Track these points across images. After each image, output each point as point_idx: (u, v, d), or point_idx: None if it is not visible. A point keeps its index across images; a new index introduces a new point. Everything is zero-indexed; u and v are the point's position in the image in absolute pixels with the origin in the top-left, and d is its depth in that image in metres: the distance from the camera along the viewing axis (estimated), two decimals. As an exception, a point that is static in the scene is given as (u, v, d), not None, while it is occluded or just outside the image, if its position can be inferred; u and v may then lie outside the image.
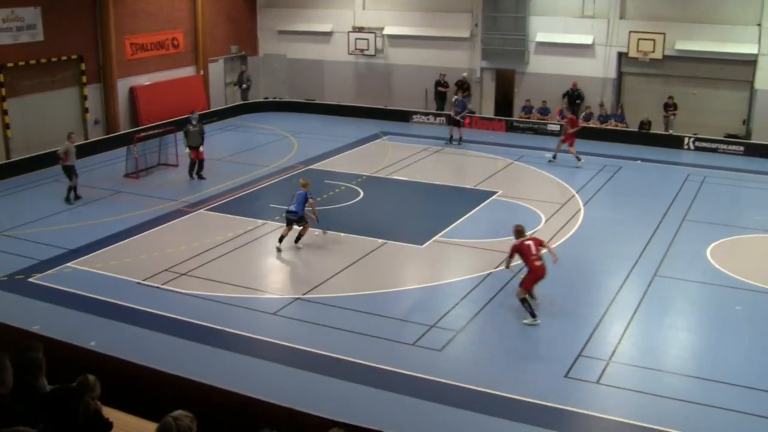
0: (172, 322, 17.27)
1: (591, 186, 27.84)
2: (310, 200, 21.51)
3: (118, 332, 16.81)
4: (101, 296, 18.52)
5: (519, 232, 17.71)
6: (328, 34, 41.85)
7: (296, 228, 21.76)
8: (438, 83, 39.37)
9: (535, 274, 17.38)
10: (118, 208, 25.42)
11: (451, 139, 34.06)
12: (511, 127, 36.79)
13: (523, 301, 17.36)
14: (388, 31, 40.37)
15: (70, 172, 26.08)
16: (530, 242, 17.47)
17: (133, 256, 21.18)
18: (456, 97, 35.66)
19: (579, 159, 30.51)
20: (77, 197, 26.25)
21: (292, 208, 21.46)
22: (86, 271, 20.14)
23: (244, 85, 41.91)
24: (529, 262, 17.36)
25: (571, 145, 30.69)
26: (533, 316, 17.27)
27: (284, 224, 21.85)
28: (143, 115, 35.81)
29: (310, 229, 21.87)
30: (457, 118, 34.30)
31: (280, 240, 21.63)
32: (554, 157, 31.15)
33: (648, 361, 15.84)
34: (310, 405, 10.72)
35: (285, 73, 43.20)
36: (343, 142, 34.04)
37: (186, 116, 30.04)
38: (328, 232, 22.56)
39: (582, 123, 33.74)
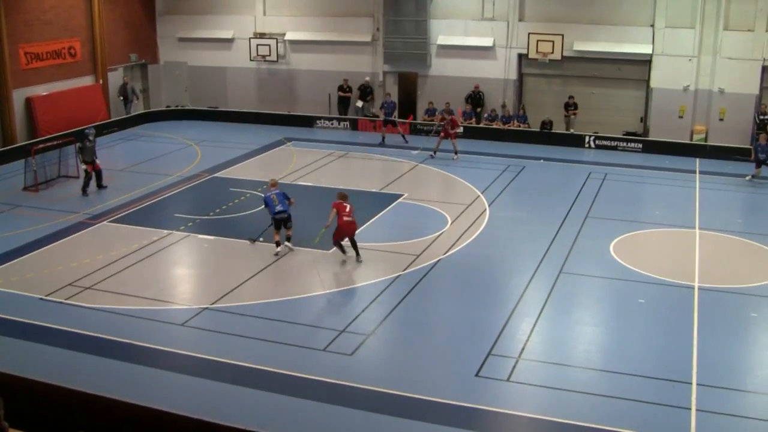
0: (77, 337, 16.91)
1: (495, 186, 28.24)
2: (292, 200, 22.17)
3: (22, 350, 16.40)
4: (2, 314, 17.99)
5: (342, 196, 21.75)
6: (230, 40, 41.54)
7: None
8: (341, 88, 39.43)
9: (341, 229, 21.13)
10: (18, 222, 24.77)
11: (278, 244, 22.15)
12: (415, 130, 37.06)
13: (336, 244, 21.39)
14: (289, 36, 40.28)
15: None
16: (347, 205, 21.31)
17: (35, 271, 20.66)
18: (385, 100, 36.74)
19: (456, 154, 32.30)
20: None
21: (280, 208, 21.69)
22: (-15, 289, 19.61)
23: (131, 98, 40.15)
24: (339, 219, 21.08)
25: (452, 138, 32.48)
26: (343, 252, 21.46)
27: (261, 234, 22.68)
28: (41, 126, 34.98)
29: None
30: (392, 118, 35.52)
31: (278, 245, 21.74)
32: (435, 153, 32.58)
33: (556, 356, 16.15)
34: (222, 415, 10.67)
35: (187, 80, 42.72)
36: (247, 149, 33.84)
37: (82, 128, 29.38)
38: (257, 241, 22.48)
39: (459, 126, 34.58)
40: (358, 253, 21.26)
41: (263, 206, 22.30)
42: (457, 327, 17.48)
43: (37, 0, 35.42)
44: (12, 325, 17.50)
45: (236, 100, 41.85)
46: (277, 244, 21.81)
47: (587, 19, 35.29)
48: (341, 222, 21.10)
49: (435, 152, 32.37)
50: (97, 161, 28.22)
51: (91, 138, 28.16)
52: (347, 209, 21.25)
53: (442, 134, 32.57)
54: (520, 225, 24.37)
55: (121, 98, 39.80)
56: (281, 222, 21.86)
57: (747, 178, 29.45)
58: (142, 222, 24.52)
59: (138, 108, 41.30)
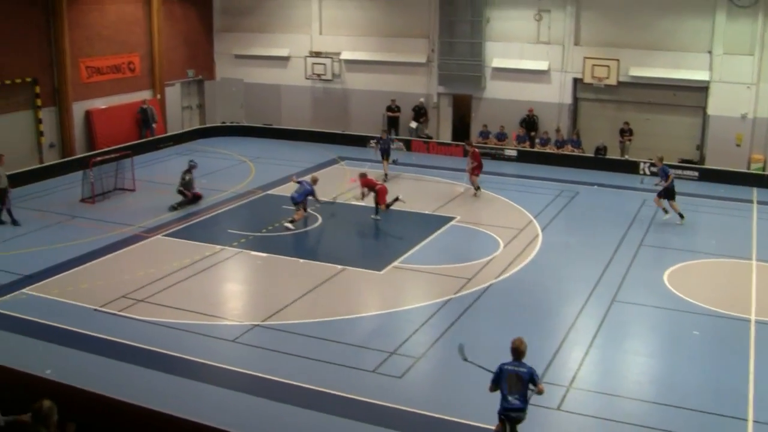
0: (129, 349, 17.05)
1: (548, 211, 28.03)
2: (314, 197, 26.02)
3: (75, 360, 16.58)
4: (57, 323, 18.26)
5: (363, 175, 27.05)
6: (285, 58, 41.85)
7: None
8: (389, 108, 39.51)
9: (383, 190, 26.41)
10: (75, 233, 25.13)
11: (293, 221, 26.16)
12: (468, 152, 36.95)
13: (387, 206, 26.37)
14: (345, 56, 40.47)
15: (2, 196, 25.83)
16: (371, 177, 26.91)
17: (90, 282, 20.92)
18: (387, 136, 33.30)
19: (478, 189, 30.12)
20: (14, 222, 25.97)
21: (295, 195, 25.57)
22: (42, 298, 19.85)
23: (151, 122, 38.21)
24: (377, 187, 26.48)
25: (476, 175, 30.28)
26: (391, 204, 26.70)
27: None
28: (99, 139, 35.52)
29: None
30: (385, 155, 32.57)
31: (293, 221, 25.47)
32: (478, 188, 30.26)
33: (607, 386, 15.93)
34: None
35: (242, 97, 43.09)
36: (300, 167, 33.95)
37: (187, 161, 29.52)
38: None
39: (480, 162, 30.45)
40: (377, 212, 26.50)
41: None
42: (507, 353, 17.21)
43: (99, 16, 36.08)
44: (66, 335, 17.72)
45: (290, 117, 42.10)
46: (292, 221, 25.61)
47: (644, 44, 34.97)
48: (381, 187, 26.67)
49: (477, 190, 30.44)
50: (198, 190, 28.80)
51: (192, 171, 28.69)
52: (374, 179, 27.13)
53: (468, 170, 30.66)
54: (573, 251, 24.15)
55: (143, 125, 38.07)
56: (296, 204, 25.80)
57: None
58: (195, 237, 24.71)
59: (195, 122, 41.71)
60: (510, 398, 12.56)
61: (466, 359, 13.34)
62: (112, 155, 30.84)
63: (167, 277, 21.28)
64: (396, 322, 19.00)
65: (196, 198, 28.53)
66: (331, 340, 17.61)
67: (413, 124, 39.10)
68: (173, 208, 27.62)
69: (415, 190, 31.45)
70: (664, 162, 27.74)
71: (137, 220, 26.37)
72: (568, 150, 35.93)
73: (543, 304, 20.11)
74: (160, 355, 16.78)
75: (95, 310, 19.14)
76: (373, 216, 26.51)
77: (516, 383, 12.56)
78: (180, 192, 28.14)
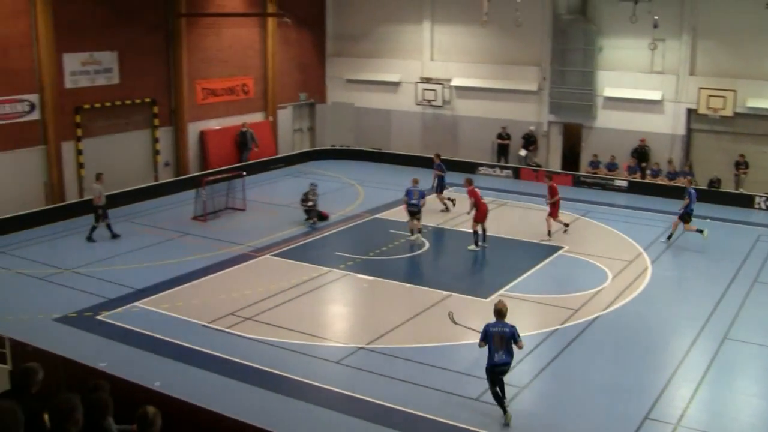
0: (235, 365, 17.34)
1: (659, 244, 27.45)
2: (424, 200, 27.17)
3: (183, 374, 16.95)
4: (167, 337, 18.73)
5: (469, 181, 26.80)
6: (396, 84, 42.18)
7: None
8: (499, 135, 39.36)
9: (483, 211, 25.91)
10: (186, 249, 25.75)
11: (412, 232, 27.06)
12: (578, 182, 36.52)
13: (475, 233, 25.74)
14: (455, 82, 40.55)
15: (98, 212, 26.67)
16: (477, 189, 26.13)
17: (200, 298, 21.38)
18: (415, 188, 27.49)
19: (550, 235, 27.75)
20: (114, 235, 26.80)
21: (415, 201, 26.68)
22: (153, 311, 20.41)
23: (250, 145, 37.88)
24: (479, 203, 25.79)
25: (553, 216, 27.97)
26: (476, 244, 25.80)
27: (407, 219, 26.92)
28: (212, 159, 36.33)
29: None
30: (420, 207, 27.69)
31: (411, 233, 26.79)
32: (549, 234, 27.92)
33: (717, 426, 15.41)
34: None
35: (352, 121, 43.53)
36: (408, 192, 34.07)
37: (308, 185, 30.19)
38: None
39: (483, 205, 26.69)
40: (485, 239, 26.09)
41: (404, 196, 27.26)
42: (613, 386, 16.96)
43: (216, 39, 37.02)
44: (175, 349, 18.14)
45: (399, 142, 42.35)
46: (411, 232, 26.77)
47: (762, 74, 33.98)
48: (483, 206, 26.01)
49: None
50: (324, 210, 29.65)
51: (315, 192, 29.39)
52: (479, 193, 26.23)
53: (549, 213, 28.17)
54: (684, 285, 23.59)
55: (239, 144, 37.98)
56: (414, 213, 26.64)
57: None
58: (302, 258, 25.00)
59: (305, 144, 42.28)
60: (496, 355, 14.95)
61: (455, 323, 17.04)
62: (224, 175, 31.53)
63: (274, 297, 21.58)
64: (500, 351, 18.82)
65: (323, 217, 29.13)
66: (435, 366, 17.56)
67: (522, 152, 38.88)
68: (311, 223, 28.90)
69: (523, 218, 31.21)
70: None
71: (246, 239, 26.85)
72: (680, 182, 35.15)
73: (651, 339, 19.64)
74: (265, 373, 17.00)
75: (204, 326, 19.53)
76: (470, 247, 26.26)
77: (501, 342, 14.89)
78: (308, 210, 28.95)
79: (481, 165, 39.07)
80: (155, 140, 34.39)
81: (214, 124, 37.26)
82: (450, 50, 40.98)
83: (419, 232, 26.88)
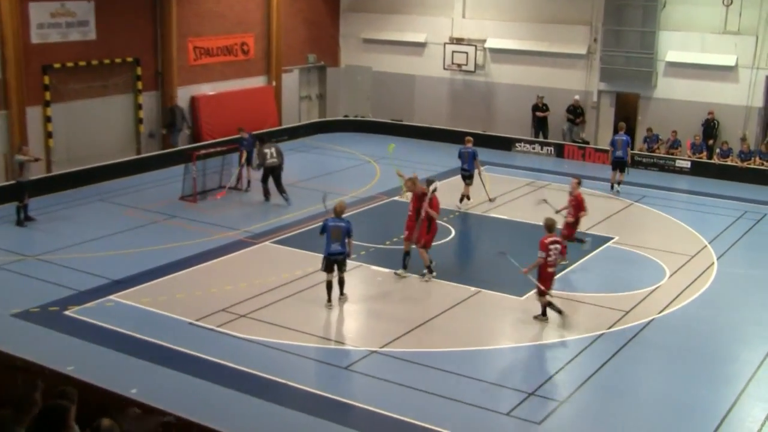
0: (227, 370, 17.29)
1: (727, 236, 27.26)
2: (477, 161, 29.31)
3: (165, 379, 16.92)
4: (147, 336, 18.69)
5: (551, 226, 20.34)
6: (421, 45, 42.06)
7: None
8: (535, 107, 39.29)
9: (547, 278, 19.98)
10: (172, 235, 25.77)
11: (462, 199, 29.62)
12: (632, 162, 36.25)
13: (547, 303, 20.15)
14: (490, 44, 40.40)
15: (21, 189, 26.28)
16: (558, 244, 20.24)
17: (187, 291, 21.37)
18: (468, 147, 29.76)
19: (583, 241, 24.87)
20: (28, 218, 26.48)
21: (465, 166, 29.05)
22: (132, 306, 20.39)
23: (180, 126, 35.94)
24: (544, 267, 19.95)
25: (569, 236, 24.24)
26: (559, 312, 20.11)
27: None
28: (205, 130, 36.33)
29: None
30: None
31: (461, 199, 29.08)
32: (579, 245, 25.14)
33: (795, 453, 15.34)
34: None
35: (369, 88, 43.42)
36: (433, 171, 33.82)
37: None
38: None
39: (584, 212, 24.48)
40: (558, 311, 20.16)
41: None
42: (669, 403, 16.84)
43: (212, -11, 36.98)
44: (156, 350, 18.11)
45: (424, 113, 42.27)
46: (461, 199, 29.26)
47: None
48: (546, 272, 19.94)
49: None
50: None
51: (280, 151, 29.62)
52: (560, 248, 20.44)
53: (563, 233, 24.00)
54: (756, 286, 23.34)
55: (166, 127, 35.75)
56: (465, 178, 29.24)
57: None
58: (308, 246, 24.86)
59: (315, 114, 42.18)
60: (332, 245, 20.20)
61: (325, 203, 22.56)
62: (219, 148, 31.48)
63: (274, 291, 21.56)
64: (537, 358, 18.80)
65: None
66: (460, 375, 17.47)
67: (566, 126, 38.68)
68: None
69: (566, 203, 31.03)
70: None
71: (244, 224, 26.87)
72: (755, 163, 34.89)
73: (716, 348, 19.48)
74: (261, 380, 16.95)
75: (191, 323, 19.50)
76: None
77: (337, 234, 20.16)
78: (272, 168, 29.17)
79: (519, 141, 38.91)
80: (138, 107, 34.39)
81: (207, 89, 37.23)
82: (485, 6, 40.80)
83: (468, 199, 29.29)
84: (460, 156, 29.59)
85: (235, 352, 18.12)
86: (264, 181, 29.17)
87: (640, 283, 22.96)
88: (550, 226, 20.26)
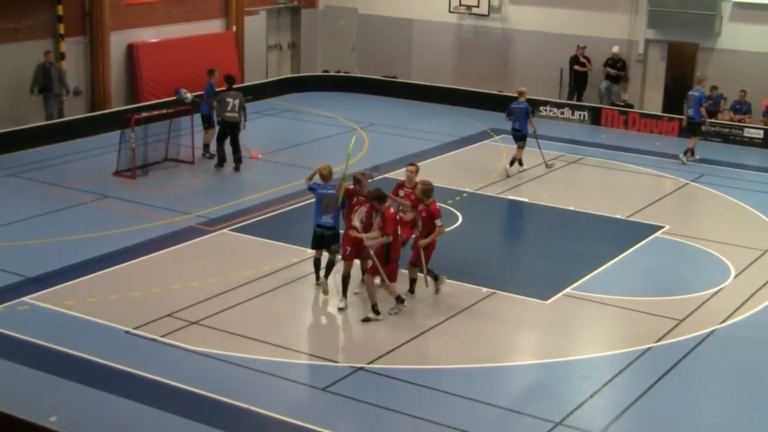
0: (173, 392, 17.23)
1: (808, 226, 27.38)
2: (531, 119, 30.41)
3: (92, 404, 16.82)
4: (71, 349, 18.57)
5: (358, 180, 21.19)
6: (422, -20, 42.11)
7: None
8: (574, 60, 39.33)
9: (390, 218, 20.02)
10: (105, 220, 25.76)
11: (513, 163, 31.01)
12: (705, 126, 36.11)
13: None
14: (509, -21, 40.47)
15: None
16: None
17: (122, 291, 21.32)
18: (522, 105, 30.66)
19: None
20: None
21: (517, 125, 30.08)
22: (51, 311, 20.31)
23: (59, 91, 33.81)
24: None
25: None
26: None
27: None
28: (146, 86, 36.25)
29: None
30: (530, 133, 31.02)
31: (511, 163, 30.40)
32: None
33: None
34: None
35: (355, 36, 43.39)
36: (435, 142, 34.03)
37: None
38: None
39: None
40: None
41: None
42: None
43: None
44: (84, 366, 18.00)
45: (424, 68, 42.32)
46: (512, 162, 30.46)
47: None
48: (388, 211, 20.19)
49: None
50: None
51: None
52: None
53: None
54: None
55: (36, 91, 33.54)
56: (518, 139, 30.33)
57: None
58: (277, 235, 24.97)
59: (286, 69, 42.15)
60: (323, 217, 20.93)
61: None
62: (165, 111, 31.37)
63: (234, 291, 21.54)
64: (565, 378, 18.77)
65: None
66: (468, 398, 17.45)
67: (604, 85, 38.71)
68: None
69: (604, 183, 31.12)
70: None
71: (195, 206, 26.90)
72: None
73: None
74: (217, 404, 16.86)
75: (127, 332, 19.43)
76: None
77: (329, 205, 20.90)
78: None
79: (544, 104, 38.91)
80: (60, 56, 34.37)
81: (149, 35, 37.18)
82: (503, -69, 40.87)
83: (520, 165, 30.80)
84: (510, 113, 30.67)
85: (184, 368, 18.07)
86: (220, 140, 29.23)
87: (698, 284, 23.00)
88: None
